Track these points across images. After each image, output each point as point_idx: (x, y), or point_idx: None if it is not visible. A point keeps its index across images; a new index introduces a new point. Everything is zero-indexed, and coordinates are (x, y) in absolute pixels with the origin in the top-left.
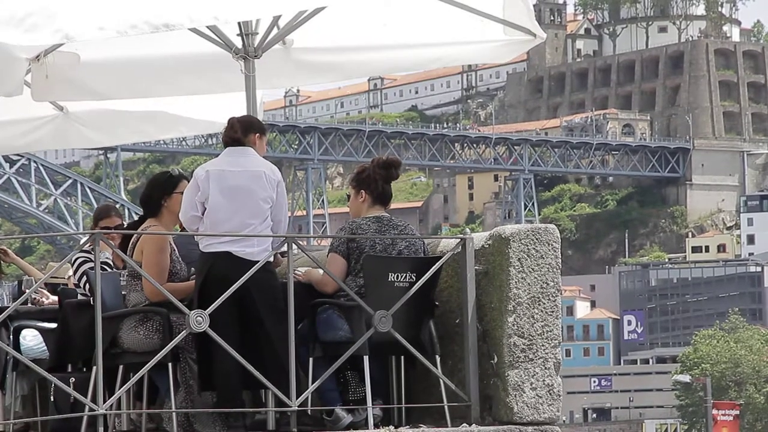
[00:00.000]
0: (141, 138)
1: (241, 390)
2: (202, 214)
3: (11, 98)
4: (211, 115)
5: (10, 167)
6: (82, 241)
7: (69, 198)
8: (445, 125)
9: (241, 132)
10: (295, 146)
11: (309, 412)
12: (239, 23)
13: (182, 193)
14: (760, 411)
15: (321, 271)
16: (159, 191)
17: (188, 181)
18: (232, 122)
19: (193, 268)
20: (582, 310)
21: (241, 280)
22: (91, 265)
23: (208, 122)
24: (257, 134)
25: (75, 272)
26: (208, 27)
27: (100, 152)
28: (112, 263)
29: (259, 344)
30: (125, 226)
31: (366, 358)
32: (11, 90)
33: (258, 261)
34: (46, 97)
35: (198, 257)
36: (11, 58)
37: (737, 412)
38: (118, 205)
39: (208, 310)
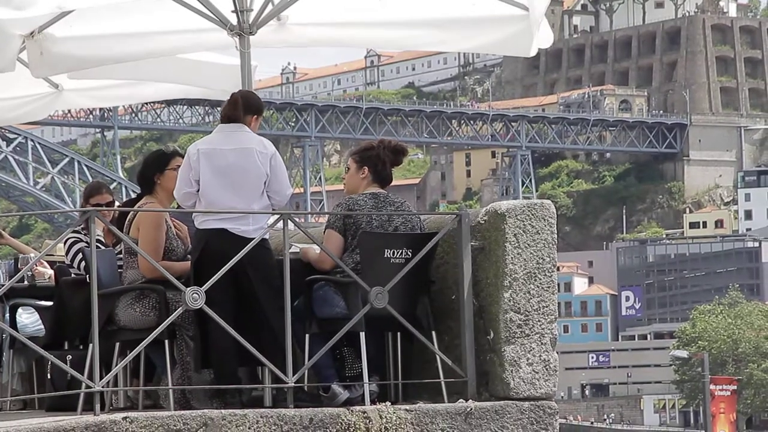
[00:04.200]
0: (133, 101)
1: (238, 367)
2: (197, 192)
3: (6, 78)
4: (205, 81)
5: (7, 146)
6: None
7: (66, 176)
8: (442, 102)
9: (242, 110)
10: (292, 123)
11: (305, 389)
12: (234, 0)
13: (175, 169)
14: (758, 386)
15: (317, 249)
16: (151, 169)
17: (182, 158)
18: (235, 98)
19: (188, 244)
20: (580, 286)
21: (237, 256)
22: (83, 244)
23: (201, 88)
24: (255, 116)
25: (67, 253)
26: (202, 4)
27: (97, 130)
28: (103, 240)
29: (256, 321)
30: (122, 203)
31: (362, 335)
32: (3, 66)
33: (253, 239)
34: (44, 73)
35: (194, 234)
36: (3, 33)
37: (735, 387)
38: (115, 183)
39: (204, 287)
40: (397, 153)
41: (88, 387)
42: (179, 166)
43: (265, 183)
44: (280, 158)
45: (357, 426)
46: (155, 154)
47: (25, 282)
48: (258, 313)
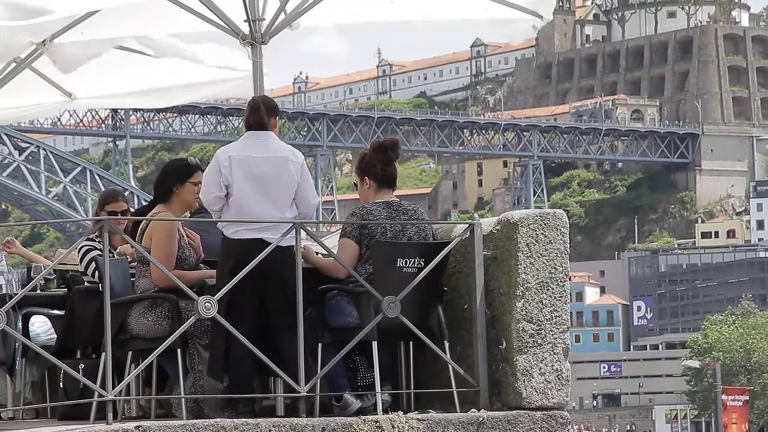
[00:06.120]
0: (144, 105)
1: (254, 376)
2: (225, 196)
3: (21, 86)
4: (217, 90)
5: (20, 154)
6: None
7: (78, 185)
8: (454, 112)
9: (266, 115)
10: (304, 133)
11: (318, 398)
12: (246, 9)
13: (195, 183)
14: None
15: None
16: (173, 177)
17: (203, 172)
18: (257, 104)
19: (201, 254)
20: (591, 295)
21: (253, 261)
22: (97, 252)
23: (213, 89)
24: (275, 116)
25: (81, 261)
26: (215, 13)
27: (109, 140)
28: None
29: (282, 329)
30: (134, 212)
31: (375, 344)
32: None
33: (287, 247)
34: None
35: (223, 243)
36: (13, 41)
37: (747, 398)
38: (127, 193)
39: (216, 296)
40: (384, 150)
41: (100, 396)
42: (200, 181)
43: (295, 192)
44: (307, 168)
45: None
46: (179, 164)
47: (38, 291)
48: (284, 321)
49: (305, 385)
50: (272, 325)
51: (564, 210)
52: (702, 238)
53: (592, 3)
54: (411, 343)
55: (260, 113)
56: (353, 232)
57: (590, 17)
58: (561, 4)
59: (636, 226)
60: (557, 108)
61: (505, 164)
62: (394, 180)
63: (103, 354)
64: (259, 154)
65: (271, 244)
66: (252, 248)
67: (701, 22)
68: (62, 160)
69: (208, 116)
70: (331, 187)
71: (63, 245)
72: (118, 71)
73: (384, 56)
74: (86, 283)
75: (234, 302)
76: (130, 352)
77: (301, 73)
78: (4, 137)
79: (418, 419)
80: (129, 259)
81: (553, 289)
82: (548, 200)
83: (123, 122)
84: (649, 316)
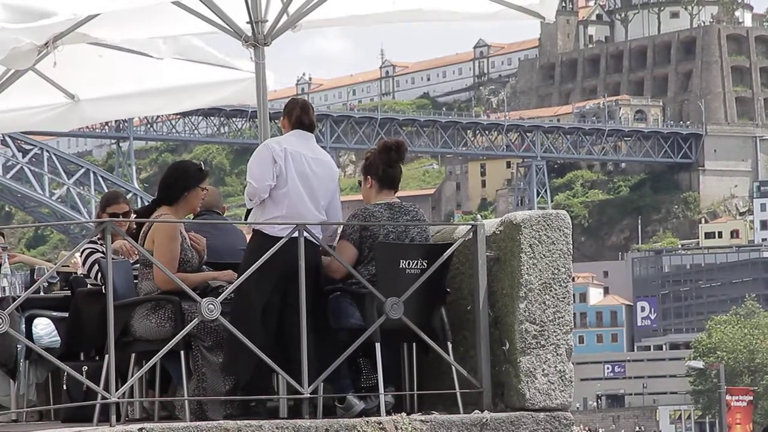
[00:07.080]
0: (148, 113)
1: (266, 375)
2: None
3: (23, 88)
4: (220, 92)
5: (23, 157)
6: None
7: (82, 187)
8: (457, 112)
9: (314, 117)
10: None
11: (321, 399)
12: (248, 11)
13: (203, 189)
14: None
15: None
16: (185, 181)
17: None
18: (308, 106)
19: (203, 255)
20: (595, 296)
21: (263, 257)
22: (100, 255)
23: (215, 97)
24: None
25: (83, 263)
26: (217, 15)
27: (113, 141)
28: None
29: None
30: (135, 210)
31: (378, 345)
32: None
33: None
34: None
35: (259, 240)
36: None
37: (751, 398)
38: (130, 195)
39: (219, 298)
40: (387, 151)
41: (104, 398)
42: (206, 188)
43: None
44: None
45: None
46: (194, 167)
47: (41, 293)
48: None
49: (308, 386)
50: (297, 323)
51: (567, 211)
52: (705, 238)
53: (595, 3)
54: (414, 344)
55: (312, 114)
56: (353, 234)
57: (593, 18)
58: (564, 4)
59: (639, 227)
60: (560, 108)
61: (509, 165)
62: (395, 181)
63: (107, 356)
64: (307, 153)
65: (312, 242)
66: (294, 246)
67: (704, 23)
68: (65, 162)
69: (211, 118)
70: None
71: (66, 247)
72: (121, 73)
73: (387, 57)
74: (89, 286)
75: (260, 300)
76: (133, 354)
77: (304, 74)
78: (8, 139)
79: (422, 420)
80: (131, 261)
81: (556, 290)
82: (551, 201)
83: (126, 124)
84: (652, 317)
